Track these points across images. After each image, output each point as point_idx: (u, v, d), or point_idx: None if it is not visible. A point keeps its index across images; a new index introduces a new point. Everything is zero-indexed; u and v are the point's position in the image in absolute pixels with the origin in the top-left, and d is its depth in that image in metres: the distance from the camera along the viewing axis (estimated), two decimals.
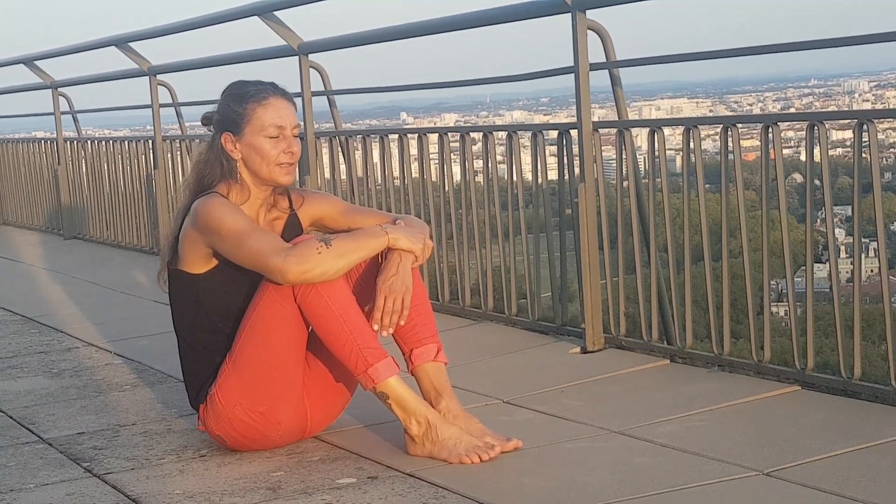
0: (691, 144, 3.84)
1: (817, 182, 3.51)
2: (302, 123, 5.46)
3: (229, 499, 2.82)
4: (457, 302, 4.96)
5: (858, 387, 3.35)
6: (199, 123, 3.33)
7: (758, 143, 3.61)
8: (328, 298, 2.99)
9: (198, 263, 3.14)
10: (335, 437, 3.27)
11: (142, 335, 4.92)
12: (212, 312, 3.15)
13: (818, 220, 4.95)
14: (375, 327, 3.03)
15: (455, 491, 2.76)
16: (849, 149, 3.40)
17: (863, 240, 3.36)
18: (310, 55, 5.68)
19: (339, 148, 5.72)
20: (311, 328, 3.06)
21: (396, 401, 3.00)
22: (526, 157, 4.58)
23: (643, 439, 3.10)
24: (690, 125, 3.85)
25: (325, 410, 3.23)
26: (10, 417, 3.75)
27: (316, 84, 5.75)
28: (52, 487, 3.00)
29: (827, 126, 3.48)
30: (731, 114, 8.21)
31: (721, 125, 3.73)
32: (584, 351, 4.15)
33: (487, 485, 2.79)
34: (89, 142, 8.53)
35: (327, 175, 5.80)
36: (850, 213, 3.44)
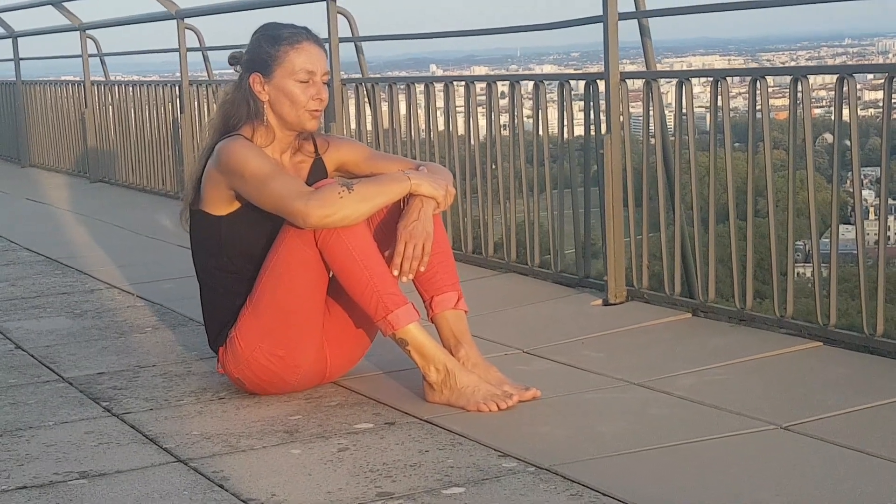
0: (719, 100, 3.79)
1: (847, 143, 3.46)
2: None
3: (246, 441, 2.83)
4: (480, 253, 4.95)
5: (881, 343, 3.33)
6: (227, 69, 3.31)
7: (788, 101, 3.55)
8: (349, 243, 2.98)
9: (220, 205, 3.14)
10: (354, 382, 3.28)
11: (165, 279, 4.94)
12: (233, 254, 3.15)
13: (847, 181, 4.90)
14: (395, 273, 3.01)
15: (472, 438, 2.76)
16: (881, 108, 3.34)
17: (890, 201, 3.31)
18: (338, 1, 5.65)
19: (366, 96, 5.69)
20: (331, 273, 3.06)
21: (415, 347, 2.99)
22: (553, 112, 4.53)
23: (662, 391, 3.09)
24: (719, 77, 3.80)
25: (344, 356, 3.23)
26: (32, 356, 3.77)
27: (343, 31, 5.71)
28: (72, 426, 3.02)
29: (859, 85, 3.42)
30: (759, 66, 8.11)
31: (750, 77, 3.68)
32: (606, 303, 4.13)
33: (504, 433, 2.79)
34: (116, 86, 8.53)
35: (353, 124, 5.78)
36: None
